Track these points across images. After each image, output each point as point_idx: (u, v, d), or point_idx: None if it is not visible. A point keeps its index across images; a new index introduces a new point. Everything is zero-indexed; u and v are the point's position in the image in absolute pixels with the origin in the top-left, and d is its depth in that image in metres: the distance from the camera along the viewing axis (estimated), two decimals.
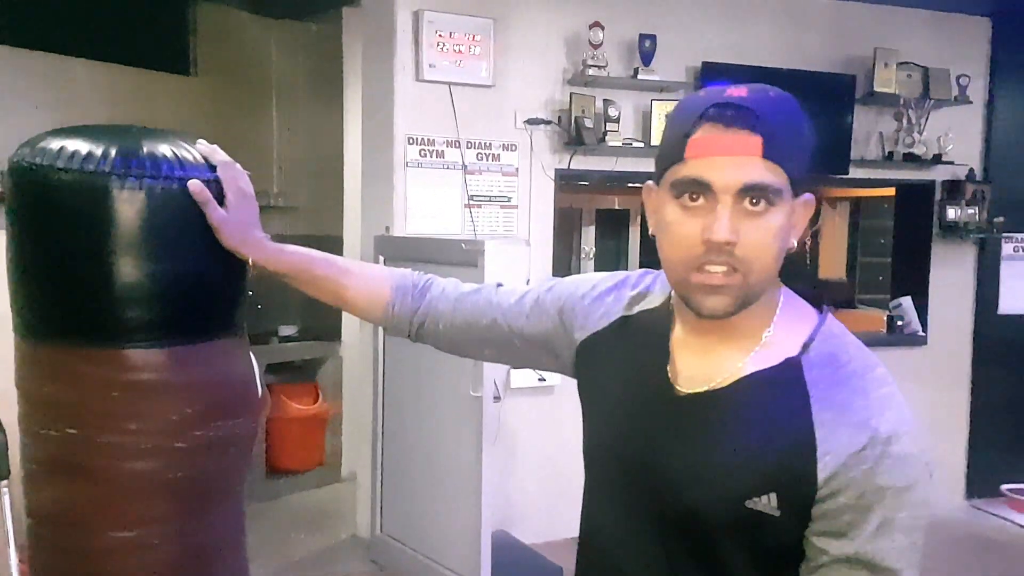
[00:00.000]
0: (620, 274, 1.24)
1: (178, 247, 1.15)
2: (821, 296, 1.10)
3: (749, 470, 0.99)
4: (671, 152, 1.01)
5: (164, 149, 1.14)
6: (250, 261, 1.23)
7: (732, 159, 0.97)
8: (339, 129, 4.74)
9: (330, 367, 4.99)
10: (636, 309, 1.17)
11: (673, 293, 1.12)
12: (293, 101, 5.28)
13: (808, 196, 1.02)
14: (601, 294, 1.21)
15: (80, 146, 1.09)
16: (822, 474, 0.96)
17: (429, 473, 3.64)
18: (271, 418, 4.61)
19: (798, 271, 7.02)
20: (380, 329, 3.87)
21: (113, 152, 1.09)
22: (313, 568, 3.72)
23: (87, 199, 1.09)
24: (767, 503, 0.98)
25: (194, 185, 1.15)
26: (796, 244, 1.02)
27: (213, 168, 1.20)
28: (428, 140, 3.91)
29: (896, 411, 0.99)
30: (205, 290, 1.19)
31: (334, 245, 4.87)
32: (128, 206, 1.10)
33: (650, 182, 1.08)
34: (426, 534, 3.62)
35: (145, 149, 1.11)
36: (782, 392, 1.01)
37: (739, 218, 0.97)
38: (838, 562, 0.97)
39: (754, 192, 0.97)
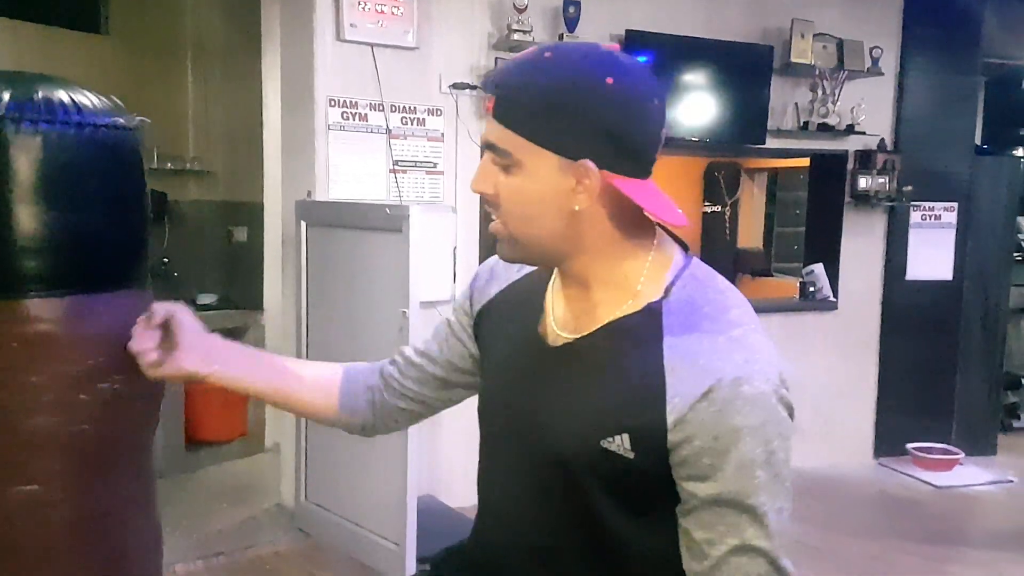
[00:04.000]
0: None
1: (75, 195, 1.11)
2: (684, 242, 1.12)
3: (604, 412, 1.03)
4: None
5: (61, 94, 1.09)
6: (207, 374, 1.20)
7: (488, 119, 1.04)
8: (257, 91, 4.62)
9: (251, 336, 4.89)
10: (523, 273, 1.21)
11: None
12: (209, 62, 5.12)
13: (586, 162, 1.00)
14: (493, 267, 1.26)
15: None
16: (671, 417, 0.99)
17: (353, 441, 3.59)
18: (189, 389, 4.51)
19: (716, 240, 7.19)
20: (303, 298, 3.83)
21: (7, 96, 1.04)
22: (237, 538, 3.67)
23: None
24: (620, 444, 1.01)
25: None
26: (581, 208, 1.02)
27: (108, 115, 1.15)
28: (351, 103, 3.84)
29: (746, 352, 1.00)
30: (105, 240, 1.16)
31: (254, 211, 4.78)
32: (23, 152, 1.05)
33: None
34: (352, 500, 3.60)
35: (40, 93, 1.07)
36: (640, 337, 1.04)
37: (495, 173, 1.04)
38: (706, 504, 1.00)
39: (492, 150, 1.04)
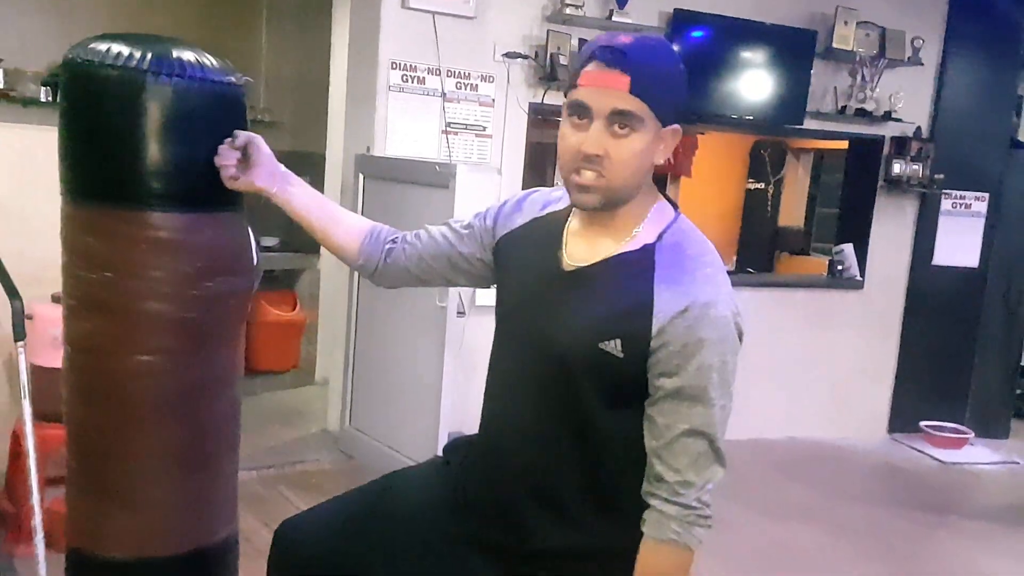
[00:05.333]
0: (540, 189, 1.60)
1: (194, 134, 1.45)
2: (675, 203, 1.45)
3: (603, 321, 1.35)
4: (570, 80, 1.36)
5: (189, 55, 1.43)
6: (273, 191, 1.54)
7: (606, 91, 1.29)
8: (326, 50, 4.94)
9: (307, 278, 5.29)
10: (545, 212, 1.53)
11: None
12: (282, 20, 5.46)
13: (675, 126, 1.35)
14: (520, 202, 1.57)
15: (123, 48, 1.39)
16: (655, 327, 1.31)
17: (396, 376, 3.98)
18: (250, 322, 4.91)
19: (757, 217, 7.37)
20: None
21: (150, 55, 1.38)
22: (286, 455, 4.07)
23: (127, 90, 1.39)
24: (614, 347, 1.33)
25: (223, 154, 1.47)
26: (663, 161, 1.37)
27: (224, 73, 1.48)
28: (411, 66, 4.14)
29: (714, 286, 1.34)
30: (213, 170, 1.49)
31: (317, 161, 5.13)
32: (157, 98, 1.40)
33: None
34: (391, 429, 3.98)
35: (174, 53, 1.41)
36: (636, 269, 1.36)
37: (607, 137, 1.30)
38: (668, 395, 1.33)
39: (620, 118, 1.30)
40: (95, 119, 1.42)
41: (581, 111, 1.31)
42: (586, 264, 1.40)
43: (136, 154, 1.42)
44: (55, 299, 3.05)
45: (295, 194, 1.57)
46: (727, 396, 1.34)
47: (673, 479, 1.33)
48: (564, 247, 1.44)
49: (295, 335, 5.26)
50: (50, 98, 4.43)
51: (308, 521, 1.60)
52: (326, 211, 1.63)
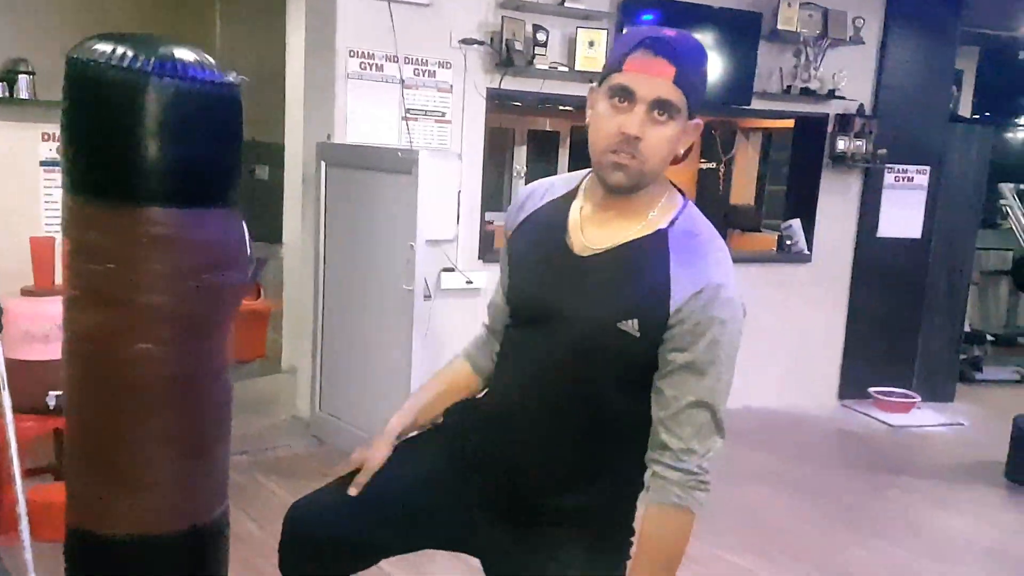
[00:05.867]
0: (538, 181, 1.69)
1: (192, 133, 1.52)
2: (683, 190, 1.55)
3: (621, 302, 1.44)
4: (614, 63, 1.42)
5: (189, 56, 1.50)
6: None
7: (653, 79, 1.37)
8: (281, 39, 4.96)
9: (271, 267, 5.32)
10: (543, 202, 1.61)
11: (586, 181, 1.57)
12: (236, 9, 5.45)
13: (697, 120, 1.46)
14: (517, 207, 1.65)
15: (127, 50, 1.45)
16: (672, 307, 1.41)
17: (365, 361, 4.06)
18: None
19: (710, 195, 7.55)
20: (321, 232, 4.24)
21: (153, 57, 1.44)
22: (259, 441, 4.13)
23: (129, 90, 1.45)
24: (631, 326, 1.42)
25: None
26: (682, 151, 1.47)
27: (221, 74, 1.55)
28: (368, 54, 4.19)
29: (725, 269, 1.44)
30: (211, 169, 1.57)
31: (275, 151, 5.16)
32: (157, 98, 1.46)
33: (594, 83, 1.48)
34: (361, 412, 4.06)
35: (176, 55, 1.47)
36: (651, 252, 1.45)
37: (647, 123, 1.38)
38: (679, 369, 1.43)
39: (662, 106, 1.38)
40: (98, 118, 1.49)
41: (625, 94, 1.39)
42: (603, 249, 1.48)
43: (137, 152, 1.48)
44: (24, 293, 3.08)
45: (410, 423, 1.69)
46: (731, 371, 1.45)
47: (677, 447, 1.43)
48: (580, 231, 1.51)
49: (260, 324, 5.29)
50: (7, 94, 4.38)
51: (317, 503, 1.63)
52: (439, 405, 1.71)
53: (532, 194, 1.64)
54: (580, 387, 1.49)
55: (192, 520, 1.76)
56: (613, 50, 1.47)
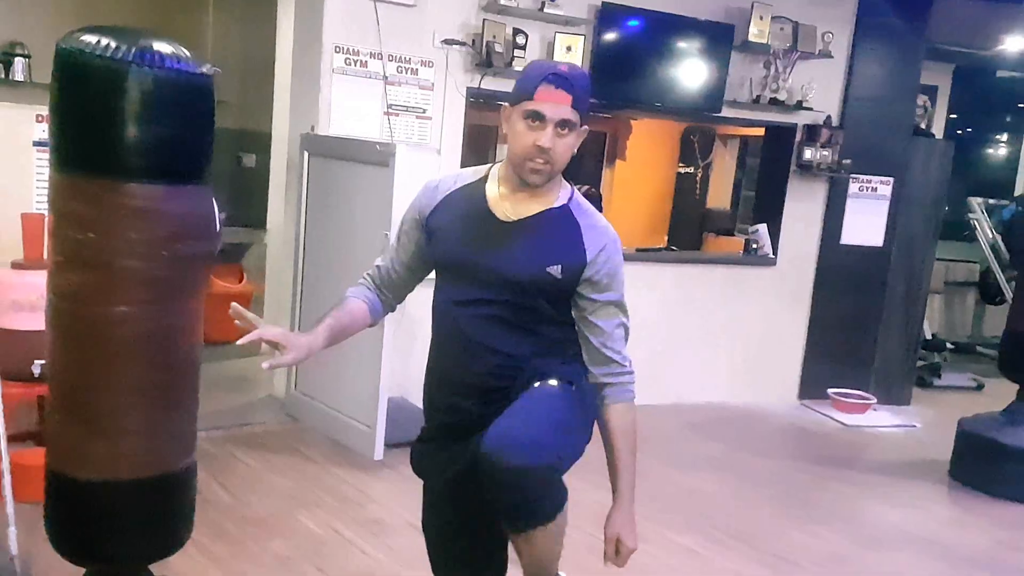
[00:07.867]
0: (437, 178, 2.03)
1: (169, 116, 1.71)
2: (571, 181, 1.96)
3: (546, 252, 1.87)
4: (525, 92, 1.83)
5: (167, 48, 1.69)
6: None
7: (557, 105, 1.81)
8: (271, 32, 5.13)
9: (254, 252, 5.49)
10: (456, 187, 1.97)
11: (501, 171, 1.94)
12: (228, 2, 5.62)
13: (585, 126, 1.89)
14: (431, 190, 1.99)
15: (110, 41, 1.64)
16: (588, 258, 1.88)
17: (340, 345, 4.23)
18: None
19: (687, 199, 7.76)
20: (303, 219, 4.42)
21: (134, 48, 1.64)
22: (234, 417, 4.31)
23: (112, 77, 1.64)
24: (556, 270, 1.86)
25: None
26: (575, 151, 1.89)
27: (196, 64, 1.75)
28: (354, 51, 4.38)
29: (612, 230, 1.94)
30: (184, 149, 1.76)
31: (261, 139, 5.34)
32: (138, 85, 1.65)
33: (506, 104, 1.88)
34: (334, 392, 4.25)
35: (154, 46, 1.67)
36: (562, 219, 1.92)
37: (554, 137, 1.82)
38: (603, 305, 1.91)
39: (564, 124, 1.83)
40: (84, 101, 1.68)
41: (537, 117, 1.81)
42: (525, 216, 1.91)
43: (118, 132, 1.68)
44: (14, 266, 3.26)
45: (322, 342, 1.96)
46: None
47: (618, 358, 1.93)
48: (500, 205, 1.91)
49: (242, 306, 5.45)
50: (3, 75, 4.54)
51: None
52: (342, 324, 2.02)
53: (442, 181, 2.01)
54: (521, 313, 1.89)
55: (161, 468, 1.96)
56: (524, 78, 1.86)
